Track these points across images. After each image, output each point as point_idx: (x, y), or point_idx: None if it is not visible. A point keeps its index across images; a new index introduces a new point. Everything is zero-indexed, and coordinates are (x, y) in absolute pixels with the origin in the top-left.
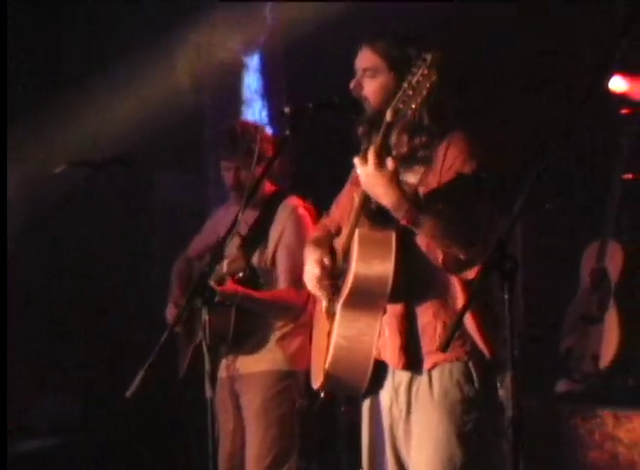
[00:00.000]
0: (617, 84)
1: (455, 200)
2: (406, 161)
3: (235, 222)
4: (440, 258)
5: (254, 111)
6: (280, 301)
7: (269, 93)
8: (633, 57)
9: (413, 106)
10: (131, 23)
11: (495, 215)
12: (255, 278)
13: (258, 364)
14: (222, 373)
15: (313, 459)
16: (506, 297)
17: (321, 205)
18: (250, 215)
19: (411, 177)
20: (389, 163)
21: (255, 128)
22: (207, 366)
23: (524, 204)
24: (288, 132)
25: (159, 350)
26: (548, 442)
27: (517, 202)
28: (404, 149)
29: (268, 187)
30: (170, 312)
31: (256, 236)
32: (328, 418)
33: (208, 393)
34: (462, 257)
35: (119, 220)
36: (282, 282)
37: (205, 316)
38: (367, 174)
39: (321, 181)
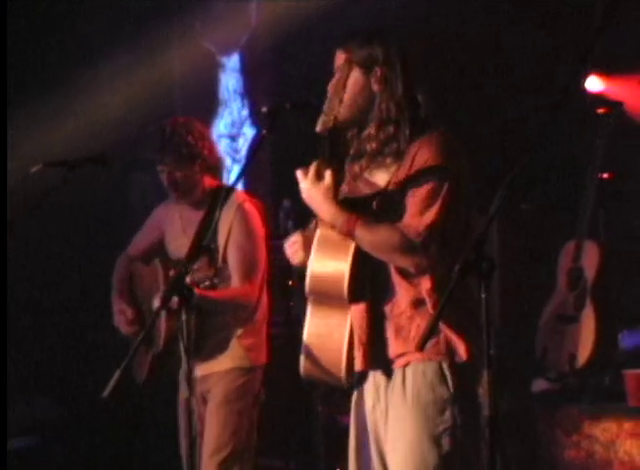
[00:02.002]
0: (593, 84)
1: (411, 205)
2: (376, 155)
3: (207, 231)
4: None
5: (232, 110)
6: (237, 298)
7: (250, 93)
8: (609, 57)
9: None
10: (113, 24)
11: (463, 219)
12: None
13: (221, 364)
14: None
15: (291, 458)
16: (483, 296)
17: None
18: (193, 215)
19: (382, 175)
20: (327, 176)
21: (185, 126)
22: (185, 367)
23: (500, 204)
24: (264, 132)
25: (135, 350)
26: (524, 441)
27: (493, 202)
28: (374, 144)
29: (209, 182)
30: (119, 321)
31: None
32: (305, 417)
33: (185, 393)
34: (406, 267)
35: (95, 220)
36: (234, 278)
37: (184, 316)
38: (305, 188)
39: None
